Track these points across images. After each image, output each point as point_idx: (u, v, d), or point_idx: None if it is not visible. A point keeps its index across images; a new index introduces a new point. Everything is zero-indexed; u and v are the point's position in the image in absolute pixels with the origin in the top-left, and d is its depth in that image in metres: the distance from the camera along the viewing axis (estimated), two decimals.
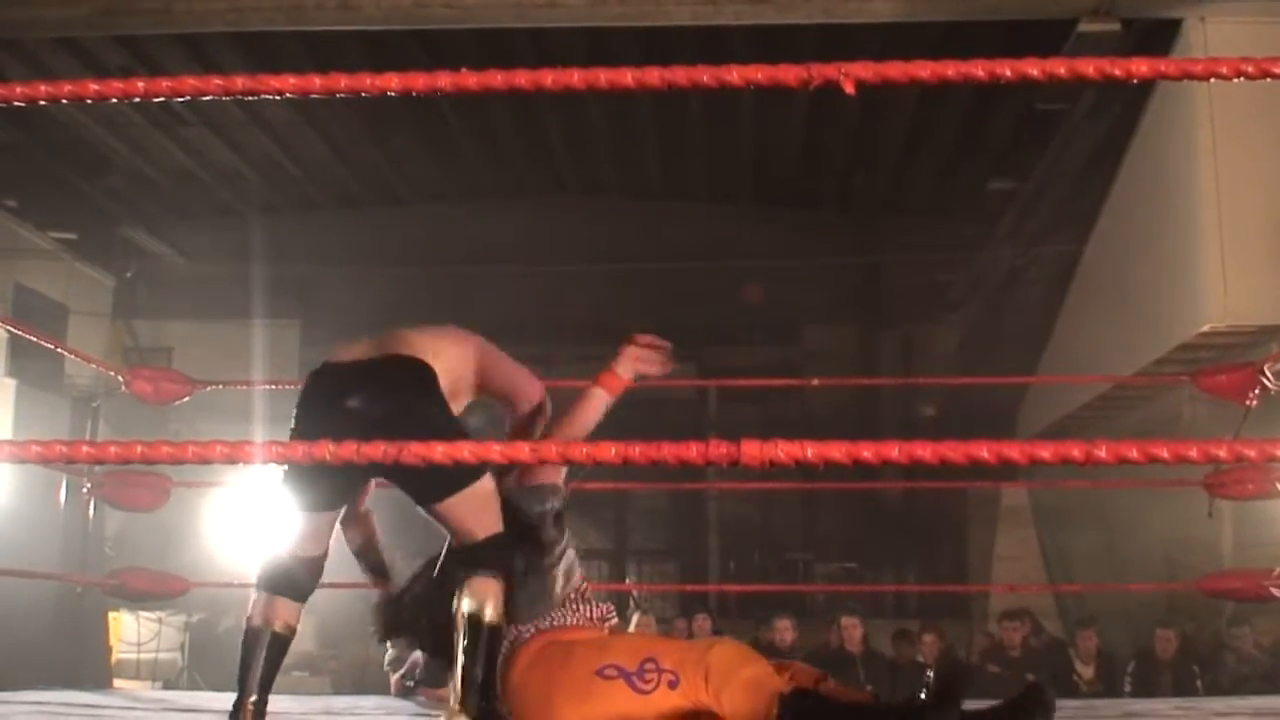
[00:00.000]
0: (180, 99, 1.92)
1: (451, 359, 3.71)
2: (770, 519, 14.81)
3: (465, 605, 3.48)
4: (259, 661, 3.72)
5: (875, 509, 14.59)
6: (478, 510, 3.57)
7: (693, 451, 1.69)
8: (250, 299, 13.81)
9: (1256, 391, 5.96)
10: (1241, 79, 1.89)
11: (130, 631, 10.93)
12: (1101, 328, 10.83)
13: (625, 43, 10.44)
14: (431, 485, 3.57)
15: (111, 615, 10.28)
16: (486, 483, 3.58)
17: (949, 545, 13.80)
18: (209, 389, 6.46)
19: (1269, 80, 1.90)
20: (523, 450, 1.78)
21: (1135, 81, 1.94)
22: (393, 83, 1.90)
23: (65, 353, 7.15)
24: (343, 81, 1.90)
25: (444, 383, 3.64)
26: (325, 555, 3.84)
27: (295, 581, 3.78)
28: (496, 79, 1.93)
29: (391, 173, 14.40)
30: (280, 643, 3.74)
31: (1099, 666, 9.58)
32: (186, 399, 6.36)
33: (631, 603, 10.46)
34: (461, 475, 3.53)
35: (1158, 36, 8.96)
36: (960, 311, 14.69)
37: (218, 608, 11.36)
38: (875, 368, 14.99)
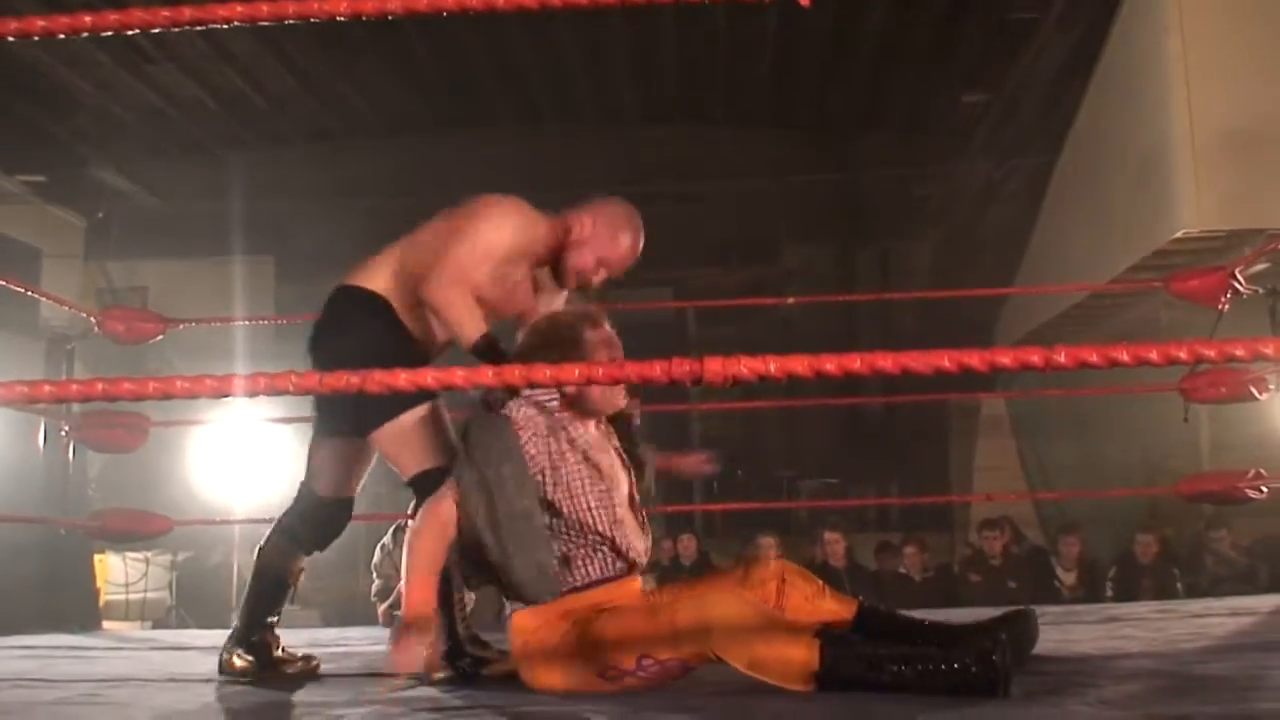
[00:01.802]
0: (130, 31, 1.89)
1: (413, 263, 3.67)
2: (753, 437, 14.86)
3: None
4: (275, 606, 3.92)
5: (856, 424, 14.67)
6: (401, 444, 3.55)
7: (656, 370, 1.70)
8: (224, 236, 13.74)
9: (1228, 295, 5.99)
10: None
11: (117, 572, 10.98)
12: (1077, 237, 10.84)
13: None
14: (359, 416, 3.59)
15: (98, 557, 10.29)
16: (414, 415, 3.53)
17: (930, 457, 13.89)
18: (182, 326, 6.44)
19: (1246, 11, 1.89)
20: (485, 373, 1.78)
21: None
22: (341, 6, 1.88)
23: (38, 296, 7.12)
24: (290, 7, 1.88)
25: (397, 295, 3.65)
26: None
27: (323, 538, 3.90)
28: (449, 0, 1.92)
29: (362, 104, 14.27)
30: (290, 590, 3.95)
31: (1081, 572, 9.69)
32: (161, 337, 6.35)
33: None
34: (385, 406, 3.51)
35: None
36: (937, 225, 14.68)
37: (204, 545, 11.41)
38: (853, 284, 14.99)
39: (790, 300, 6.63)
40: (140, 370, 11.95)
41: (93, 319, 6.23)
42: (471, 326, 3.46)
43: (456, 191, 3.85)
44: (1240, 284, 5.98)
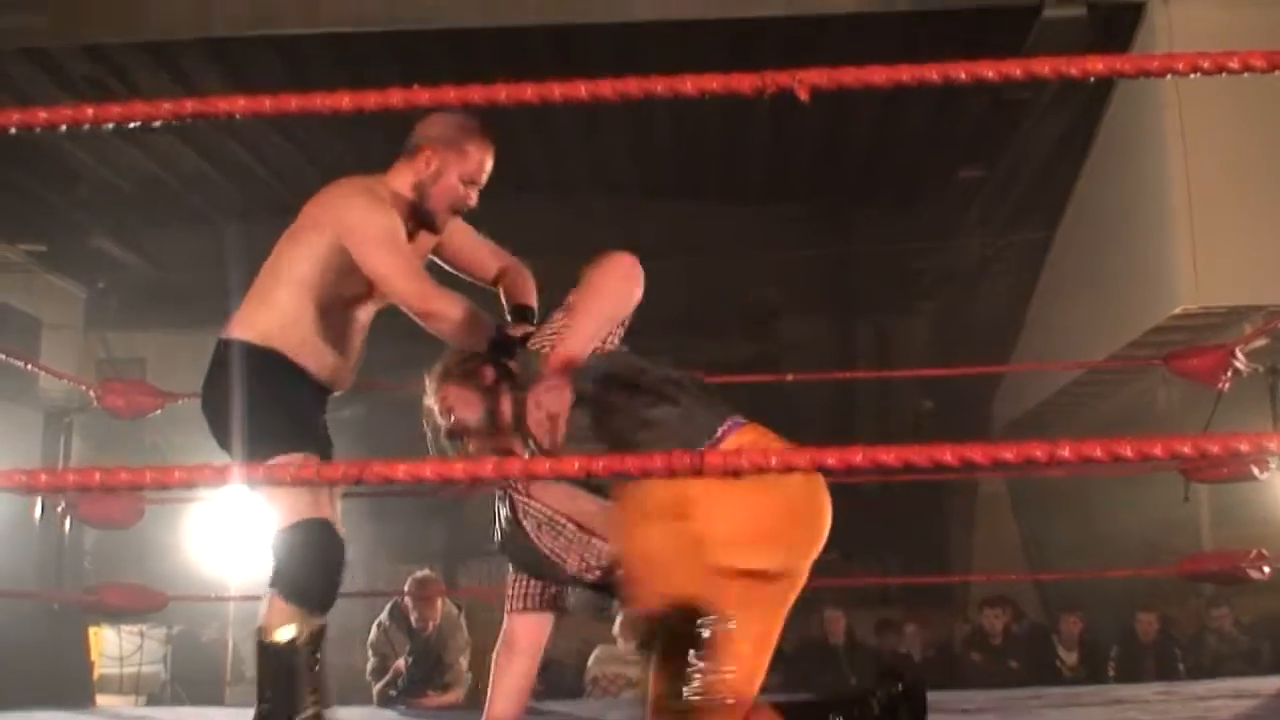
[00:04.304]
0: (159, 121, 1.90)
1: (297, 278, 3.59)
2: None
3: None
4: (307, 686, 3.49)
5: (854, 499, 14.57)
6: (270, 494, 3.32)
7: (657, 463, 1.69)
8: (224, 307, 13.71)
9: (1229, 374, 5.99)
10: (1198, 74, 1.90)
11: (112, 646, 10.88)
12: (1075, 312, 10.87)
13: (591, 36, 10.41)
14: (243, 450, 3.41)
15: (92, 630, 10.21)
16: (289, 459, 3.26)
17: (928, 533, 13.83)
18: (180, 401, 6.43)
19: (1236, 69, 1.90)
20: (485, 467, 1.77)
21: (1092, 80, 1.94)
22: (344, 101, 1.89)
23: (37, 369, 7.12)
24: (319, 100, 1.89)
25: (287, 328, 3.52)
26: None
27: (317, 578, 3.46)
28: (449, 94, 1.93)
29: (363, 173, 14.32)
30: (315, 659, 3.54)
31: (1082, 652, 9.63)
32: (159, 411, 6.34)
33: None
34: (253, 454, 3.32)
35: (1123, 20, 8.98)
36: (934, 300, 14.72)
37: (199, 619, 11.33)
38: (851, 357, 14.98)
39: (789, 377, 6.64)
40: (137, 442, 11.92)
41: (91, 393, 6.23)
42: (477, 333, 3.34)
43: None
44: (1241, 363, 5.99)
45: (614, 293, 3.18)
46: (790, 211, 15.14)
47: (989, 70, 1.86)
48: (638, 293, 3.20)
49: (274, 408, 3.42)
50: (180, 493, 7.87)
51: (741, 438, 3.01)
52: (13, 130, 1.84)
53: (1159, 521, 10.87)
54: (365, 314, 3.74)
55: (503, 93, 1.98)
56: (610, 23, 9.35)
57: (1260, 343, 7.00)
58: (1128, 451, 1.63)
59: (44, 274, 13.62)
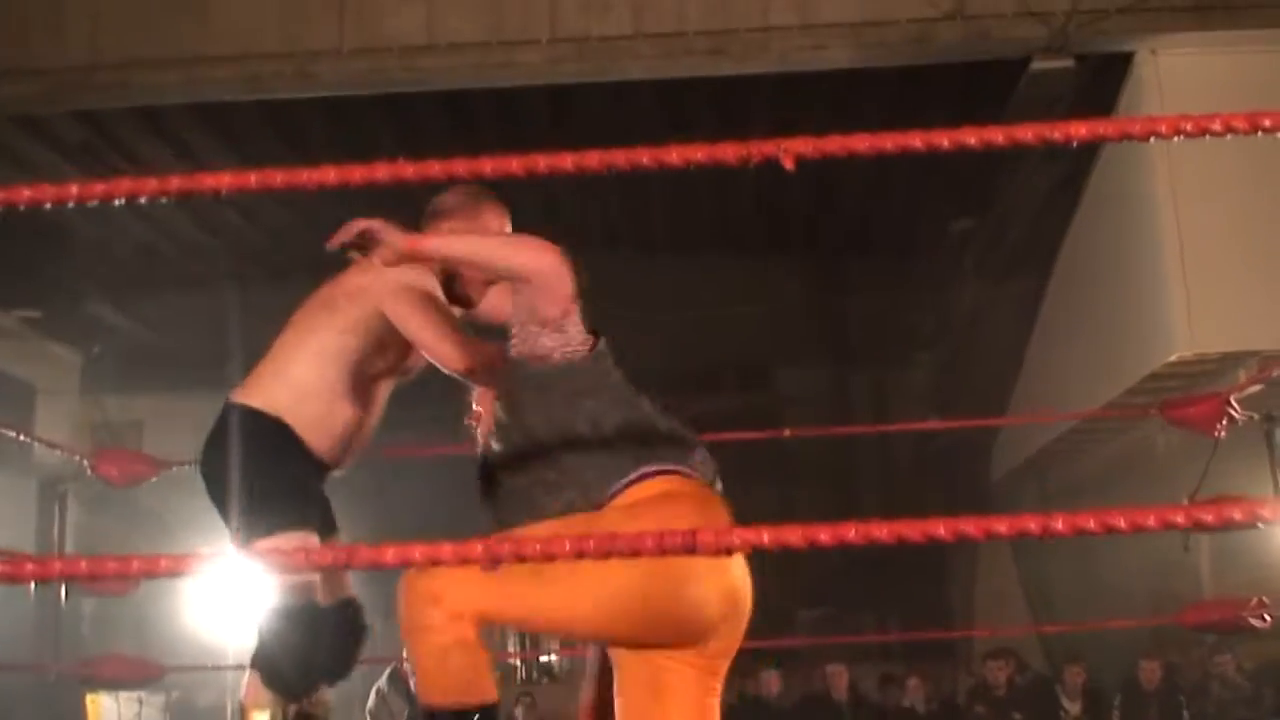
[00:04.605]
0: (168, 198, 1.90)
1: (302, 364, 3.54)
2: (750, 567, 14.75)
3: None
4: None
5: (853, 551, 14.54)
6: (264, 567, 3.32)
7: (648, 542, 1.67)
8: (220, 370, 13.71)
9: (1224, 422, 5.97)
10: (1180, 137, 1.90)
11: (110, 713, 10.80)
12: (1071, 359, 10.87)
13: (587, 95, 10.45)
14: (244, 526, 3.33)
15: (90, 698, 10.17)
16: (291, 538, 3.16)
17: (930, 584, 13.78)
18: (175, 469, 6.40)
19: (1219, 131, 1.90)
20: (445, 550, 1.75)
21: (1075, 144, 1.94)
22: (330, 176, 1.89)
23: (31, 440, 7.09)
24: (305, 175, 1.89)
25: (299, 405, 3.48)
26: None
27: (317, 677, 3.44)
28: (434, 168, 1.93)
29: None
30: None
31: (1086, 702, 9.57)
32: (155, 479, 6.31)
33: None
34: (251, 529, 3.26)
35: (1111, 71, 9.03)
36: (931, 350, 14.72)
37: (197, 686, 11.25)
38: (848, 408, 14.98)
39: (787, 433, 6.65)
40: (133, 507, 11.88)
41: (85, 462, 6.20)
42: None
43: None
44: (1236, 411, 5.97)
45: (510, 246, 3.12)
46: (785, 264, 15.17)
47: (972, 137, 1.86)
48: (545, 266, 3.00)
49: (275, 484, 3.34)
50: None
51: (644, 489, 2.83)
52: (22, 207, 1.84)
53: (1160, 566, 10.84)
54: (383, 392, 3.68)
55: (488, 166, 1.98)
56: (603, 82, 9.38)
57: (1255, 389, 6.99)
58: (1121, 523, 1.62)
59: (39, 340, 13.61)
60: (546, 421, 2.91)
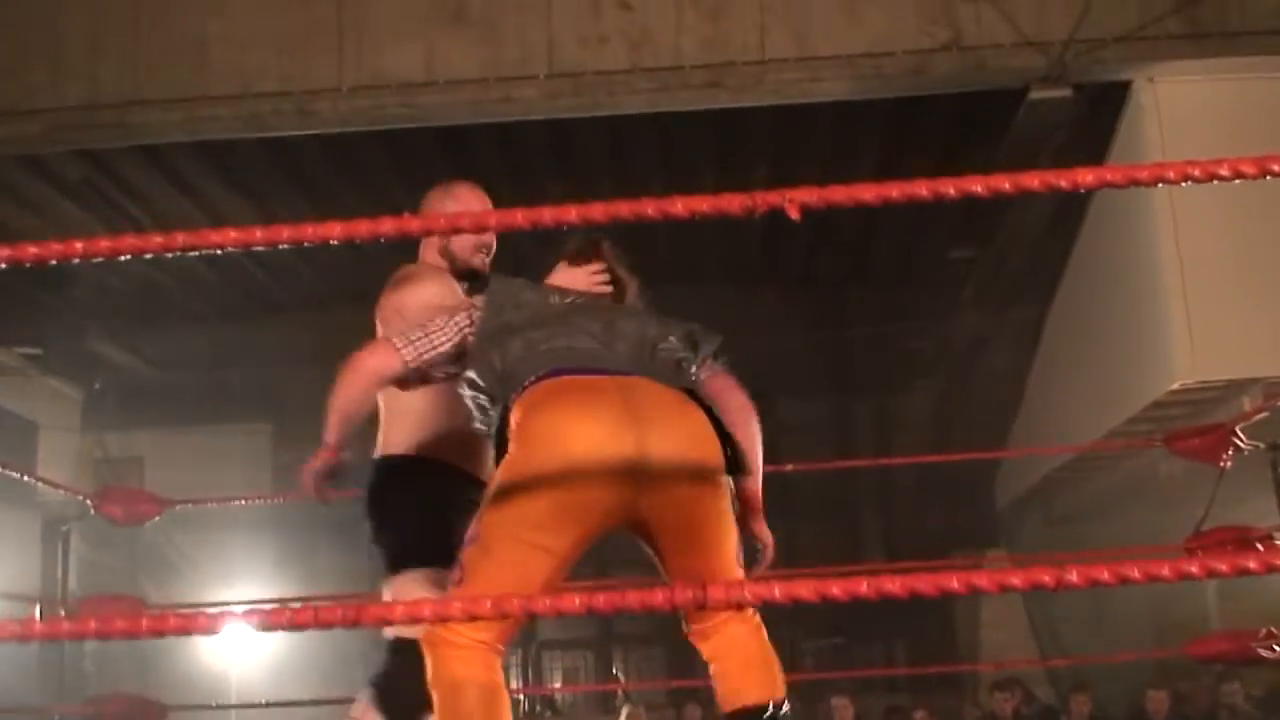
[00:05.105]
0: (122, 257, 1.89)
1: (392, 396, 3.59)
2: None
3: None
4: None
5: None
6: (417, 594, 3.26)
7: (659, 597, 1.66)
8: (221, 405, 13.75)
9: (1230, 452, 5.94)
10: (1188, 183, 1.90)
11: None
12: (1073, 388, 10.86)
13: (585, 129, 10.46)
14: (399, 548, 3.43)
15: None
16: (412, 577, 3.30)
17: (935, 614, 13.73)
18: (178, 508, 6.39)
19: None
20: (484, 604, 1.74)
21: (1082, 190, 1.94)
22: (334, 230, 1.89)
23: (34, 479, 7.07)
24: (337, 229, 1.89)
25: (421, 430, 3.54)
26: None
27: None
28: (412, 224, 1.93)
29: (358, 270, 14.36)
30: None
31: None
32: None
33: (620, 693, 10.36)
34: (397, 558, 3.39)
35: (1109, 99, 9.03)
36: (932, 378, 14.71)
37: None
38: (850, 438, 14.97)
39: (789, 468, 6.65)
40: (136, 542, 11.87)
41: (88, 501, 6.18)
42: None
43: None
44: (1241, 441, 5.95)
45: (350, 377, 3.27)
46: (785, 294, 15.19)
47: (978, 185, 1.86)
48: (381, 361, 3.24)
49: (449, 505, 3.34)
50: (182, 598, 7.82)
51: (521, 410, 2.99)
52: (54, 262, 1.83)
53: (1166, 592, 10.80)
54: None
55: (493, 219, 1.99)
56: (601, 116, 9.39)
57: (1260, 416, 6.97)
58: (1135, 574, 1.61)
59: (40, 377, 13.62)
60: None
